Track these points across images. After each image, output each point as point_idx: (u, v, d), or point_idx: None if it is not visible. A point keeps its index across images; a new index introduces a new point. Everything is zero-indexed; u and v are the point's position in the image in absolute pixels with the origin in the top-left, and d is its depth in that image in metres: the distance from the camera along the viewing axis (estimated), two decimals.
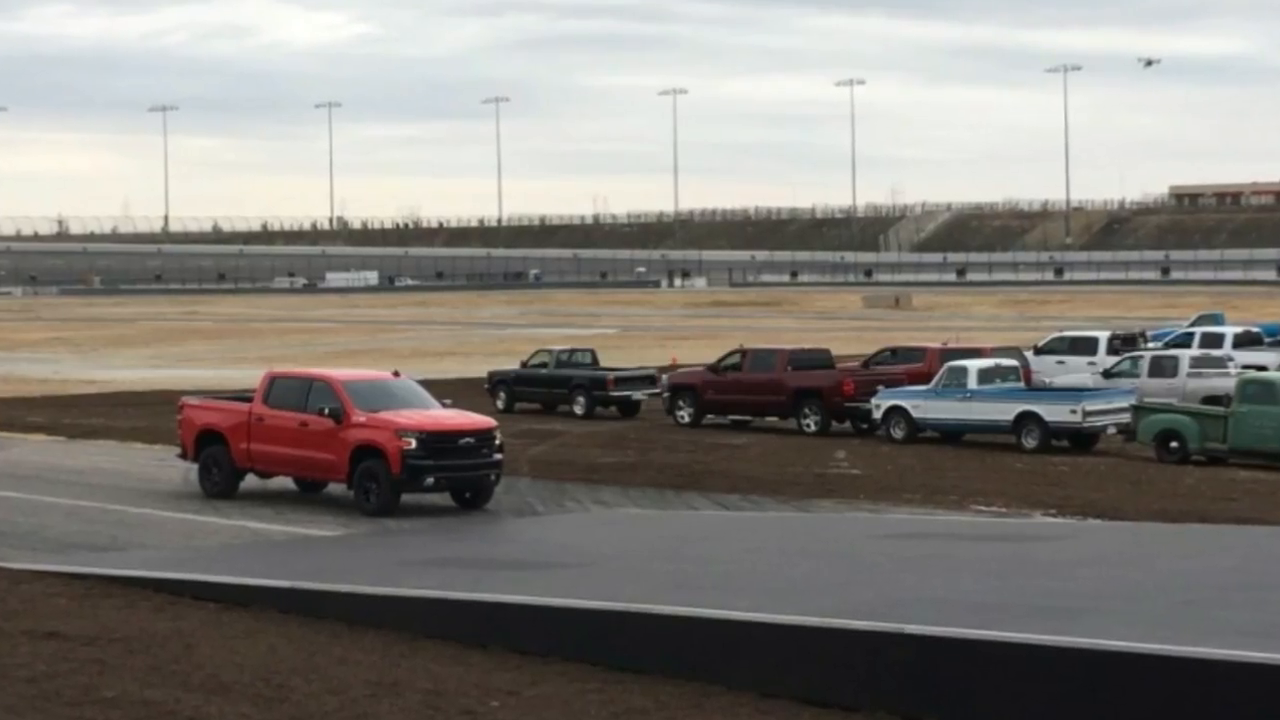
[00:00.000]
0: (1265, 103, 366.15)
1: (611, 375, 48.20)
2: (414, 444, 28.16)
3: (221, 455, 30.61)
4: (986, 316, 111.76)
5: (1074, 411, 38.64)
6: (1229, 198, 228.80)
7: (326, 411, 28.91)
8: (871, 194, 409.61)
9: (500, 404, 47.97)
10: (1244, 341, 52.96)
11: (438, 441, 28.44)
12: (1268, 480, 33.86)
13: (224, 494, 30.36)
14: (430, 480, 28.46)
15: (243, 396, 32.28)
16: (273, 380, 30.74)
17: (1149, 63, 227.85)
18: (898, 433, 40.33)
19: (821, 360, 45.32)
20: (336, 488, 30.03)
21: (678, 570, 21.69)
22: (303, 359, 70.01)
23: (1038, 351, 50.97)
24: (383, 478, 28.34)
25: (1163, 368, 45.13)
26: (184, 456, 31.67)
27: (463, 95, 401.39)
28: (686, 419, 44.40)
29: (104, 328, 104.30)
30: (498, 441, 29.22)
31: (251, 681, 16.45)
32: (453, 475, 28.76)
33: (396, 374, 31.53)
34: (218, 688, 16.24)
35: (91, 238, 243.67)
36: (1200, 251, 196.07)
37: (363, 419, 28.71)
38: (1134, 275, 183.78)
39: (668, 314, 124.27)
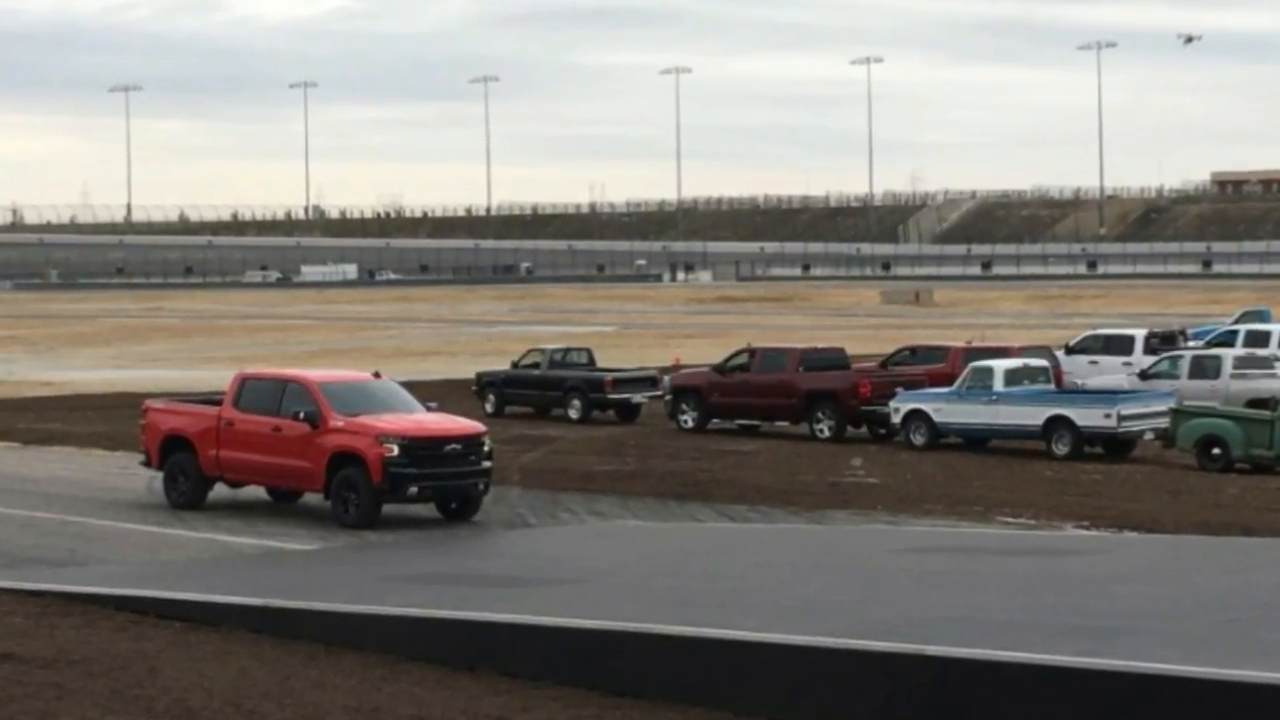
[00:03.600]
0: None
1: (609, 376, 48.21)
2: (396, 451, 28.13)
3: (188, 463, 30.57)
4: (1014, 313, 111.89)
5: (1108, 415, 38.65)
6: (1276, 185, 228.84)
7: (301, 415, 28.88)
8: (890, 181, 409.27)
9: (489, 407, 48.02)
10: None
11: (422, 448, 28.41)
12: None
13: (191, 505, 30.34)
14: (414, 490, 28.42)
15: (211, 399, 32.28)
16: (243, 382, 30.75)
17: (1189, 39, 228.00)
18: (918, 438, 40.35)
19: (836, 360, 45.34)
20: (313, 497, 30.02)
21: (681, 587, 21.70)
22: (276, 359, 70.00)
23: (1069, 351, 51.04)
24: (362, 487, 28.29)
25: (1204, 368, 45.16)
26: (148, 464, 31.68)
27: (449, 74, 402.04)
28: (690, 424, 44.43)
29: (62, 325, 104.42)
30: (486, 448, 29.20)
31: (221, 707, 16.45)
32: (438, 484, 28.74)
33: (377, 375, 31.54)
34: (184, 713, 16.24)
35: (48, 228, 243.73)
36: (1244, 243, 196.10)
37: (341, 424, 28.68)
38: (1173, 268, 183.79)
39: (670, 310, 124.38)
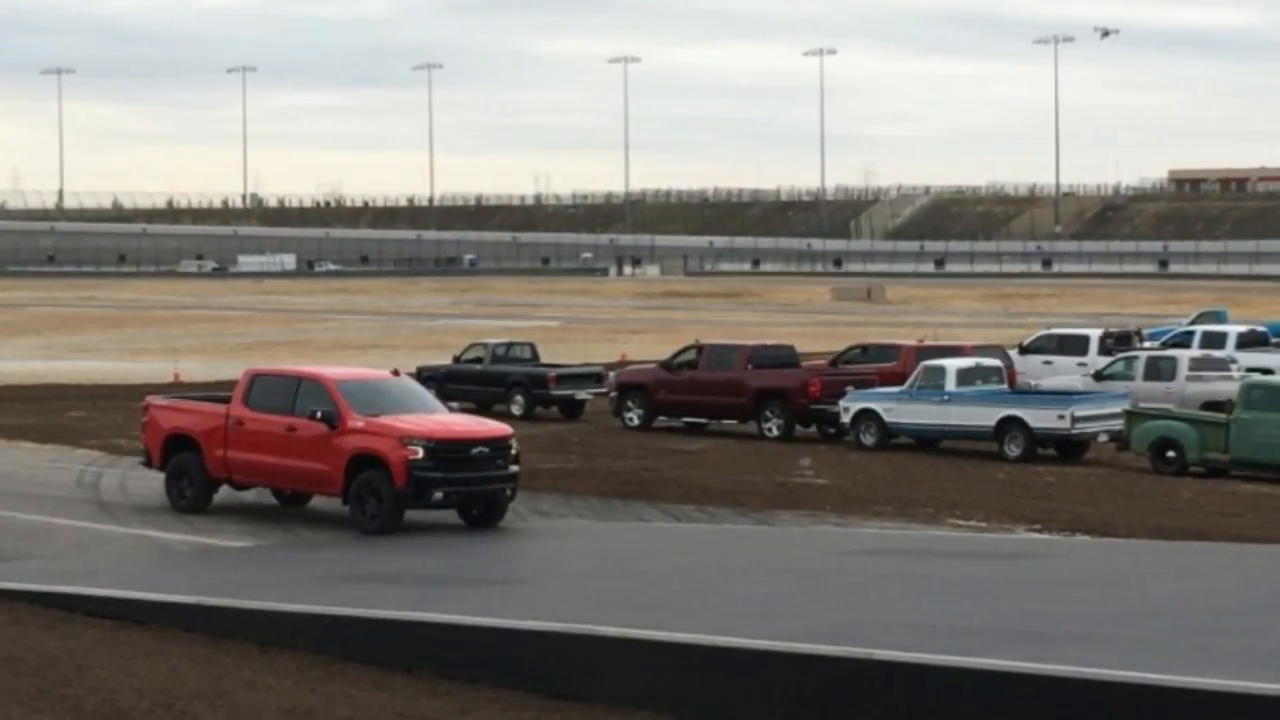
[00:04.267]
0: (1275, 81, 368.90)
1: (553, 372, 48.21)
2: (421, 453, 27.16)
3: (193, 464, 29.64)
4: (967, 311, 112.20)
5: (1062, 417, 38.82)
6: (1234, 184, 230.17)
7: (319, 415, 27.91)
8: (842, 175, 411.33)
9: None
10: (1248, 342, 53.29)
11: (448, 451, 27.38)
12: (1272, 494, 34.13)
13: (195, 509, 29.43)
14: (439, 495, 27.34)
15: (216, 396, 31.65)
16: (254, 378, 29.74)
17: (1106, 33, 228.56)
18: (868, 438, 40.46)
19: (785, 358, 45.41)
20: (316, 497, 29.61)
21: (623, 588, 21.74)
22: (211, 350, 69.85)
23: (1023, 350, 51.21)
24: (384, 491, 27.25)
25: (1160, 370, 45.39)
26: (148, 464, 30.78)
27: (391, 61, 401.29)
28: (636, 421, 44.46)
29: None
30: (514, 451, 28.30)
31: (151, 708, 16.42)
32: (464, 489, 27.71)
33: (396, 373, 30.80)
34: (113, 713, 16.21)
35: None
36: (1202, 242, 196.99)
37: (360, 424, 27.69)
38: (1129, 267, 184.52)
39: (616, 305, 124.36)
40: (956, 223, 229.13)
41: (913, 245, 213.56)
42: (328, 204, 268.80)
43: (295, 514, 29.72)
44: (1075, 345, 51.34)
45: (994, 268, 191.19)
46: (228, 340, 79.53)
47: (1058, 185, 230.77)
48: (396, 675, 18.01)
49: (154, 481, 30.72)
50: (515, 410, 46.89)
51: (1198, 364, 45.95)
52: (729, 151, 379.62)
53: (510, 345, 51.03)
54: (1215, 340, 52.86)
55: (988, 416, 39.34)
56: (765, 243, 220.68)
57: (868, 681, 15.76)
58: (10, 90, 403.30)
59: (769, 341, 49.91)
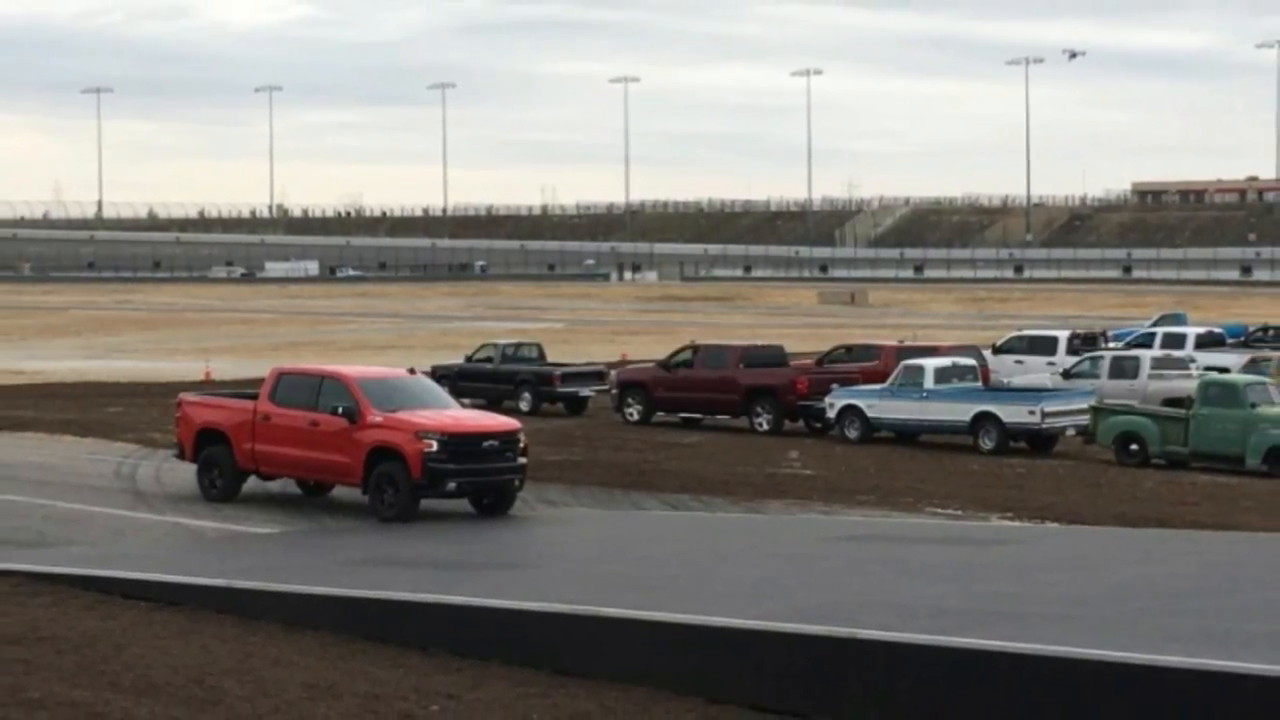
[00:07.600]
0: (1231, 98, 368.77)
1: (558, 371, 48.21)
2: (435, 446, 27.16)
3: (223, 456, 29.64)
4: (944, 314, 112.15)
5: (1032, 412, 38.84)
6: (1192, 195, 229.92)
7: (340, 410, 27.91)
8: (827, 187, 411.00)
9: None
10: (1206, 342, 53.37)
11: (460, 444, 27.39)
12: (1228, 484, 34.13)
13: (225, 498, 29.43)
14: (452, 485, 27.38)
15: (244, 393, 31.58)
16: (280, 376, 29.73)
17: (1073, 55, 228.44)
18: (852, 433, 40.46)
19: (775, 357, 45.41)
20: (329, 487, 29.55)
21: (624, 572, 21.73)
22: (240, 350, 69.80)
23: (996, 351, 51.24)
24: (401, 482, 27.28)
25: (1123, 369, 45.41)
26: (181, 456, 30.77)
27: (408, 81, 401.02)
28: (635, 417, 44.45)
29: (33, 316, 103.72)
30: (522, 444, 28.27)
31: (184, 683, 16.42)
32: (476, 480, 27.76)
33: (412, 371, 30.85)
34: (148, 689, 16.20)
35: (21, 223, 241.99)
36: (1163, 250, 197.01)
37: (379, 419, 27.69)
38: (1095, 273, 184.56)
39: (617, 308, 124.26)
40: (934, 231, 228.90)
41: (893, 252, 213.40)
42: (348, 214, 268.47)
43: (318, 503, 29.71)
44: (1045, 346, 51.38)
45: (969, 274, 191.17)
46: (255, 341, 79.47)
47: (1029, 196, 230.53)
48: (412, 653, 18.00)
49: (186, 472, 30.73)
50: (523, 406, 46.84)
51: (1159, 363, 45.98)
52: (722, 165, 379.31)
53: (519, 345, 51.02)
54: (1175, 341, 52.94)
55: (963, 412, 39.35)
56: (756, 250, 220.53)
57: (851, 659, 15.75)
58: (53, 108, 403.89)
59: (760, 342, 49.90)
